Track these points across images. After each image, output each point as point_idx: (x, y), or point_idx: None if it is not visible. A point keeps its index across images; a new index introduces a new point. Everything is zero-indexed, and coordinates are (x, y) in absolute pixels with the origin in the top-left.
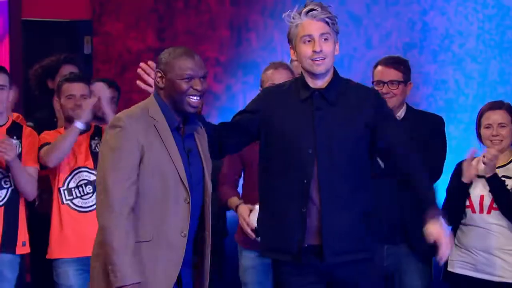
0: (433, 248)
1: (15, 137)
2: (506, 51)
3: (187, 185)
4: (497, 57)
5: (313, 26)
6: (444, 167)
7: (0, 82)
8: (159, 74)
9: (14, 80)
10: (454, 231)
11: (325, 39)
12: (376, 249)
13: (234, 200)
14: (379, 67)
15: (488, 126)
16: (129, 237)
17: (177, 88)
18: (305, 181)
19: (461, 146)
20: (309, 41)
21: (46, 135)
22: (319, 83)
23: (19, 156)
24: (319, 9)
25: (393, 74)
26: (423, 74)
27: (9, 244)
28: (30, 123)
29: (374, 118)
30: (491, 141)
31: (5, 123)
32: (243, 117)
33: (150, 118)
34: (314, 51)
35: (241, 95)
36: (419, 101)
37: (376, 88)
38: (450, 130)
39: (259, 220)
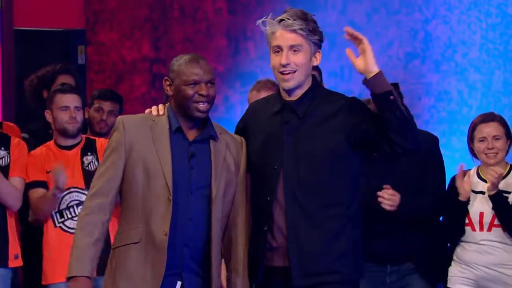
0: (438, 266)
1: (2, 148)
2: (510, 61)
3: (170, 184)
4: (501, 67)
5: (284, 37)
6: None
7: None
8: (167, 82)
9: (6, 90)
10: (453, 247)
11: (294, 51)
12: (351, 271)
13: None
14: None
15: (483, 140)
16: (85, 232)
17: (183, 94)
18: (268, 199)
19: (464, 158)
20: (277, 51)
21: (34, 158)
22: (292, 96)
23: (8, 167)
24: (291, 19)
25: None
26: (425, 85)
27: (1, 257)
28: (25, 135)
29: (353, 130)
30: (486, 154)
31: None
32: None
33: (151, 121)
34: (281, 64)
35: (239, 106)
36: (421, 112)
37: None
38: (453, 142)
39: None
